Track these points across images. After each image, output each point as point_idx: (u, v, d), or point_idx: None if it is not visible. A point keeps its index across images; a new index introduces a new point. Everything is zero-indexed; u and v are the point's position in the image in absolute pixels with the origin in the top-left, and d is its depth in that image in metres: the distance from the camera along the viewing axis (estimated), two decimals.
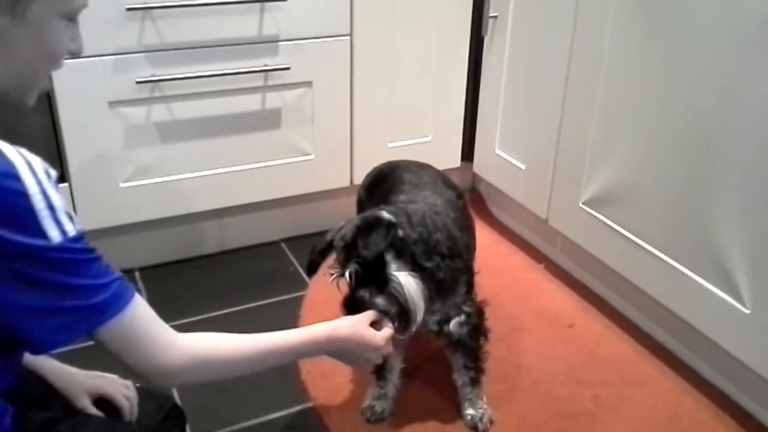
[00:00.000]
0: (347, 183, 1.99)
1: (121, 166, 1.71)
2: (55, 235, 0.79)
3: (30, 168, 0.78)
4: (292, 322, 1.68)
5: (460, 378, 1.41)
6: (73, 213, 0.82)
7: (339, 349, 1.11)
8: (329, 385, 1.50)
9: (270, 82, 1.78)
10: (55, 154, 1.65)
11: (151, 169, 1.75)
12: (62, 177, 1.67)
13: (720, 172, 1.37)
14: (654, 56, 1.47)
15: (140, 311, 0.88)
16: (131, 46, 1.61)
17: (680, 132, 1.44)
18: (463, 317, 1.34)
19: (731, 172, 1.35)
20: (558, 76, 1.73)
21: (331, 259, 1.25)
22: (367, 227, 1.18)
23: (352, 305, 1.19)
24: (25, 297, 0.79)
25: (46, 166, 0.80)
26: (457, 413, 1.43)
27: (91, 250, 0.84)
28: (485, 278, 1.73)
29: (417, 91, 1.99)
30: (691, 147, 1.42)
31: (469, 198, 2.24)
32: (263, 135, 1.84)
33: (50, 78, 0.89)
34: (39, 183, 0.78)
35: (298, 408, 1.45)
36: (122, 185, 1.73)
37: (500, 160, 2.01)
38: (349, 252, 1.19)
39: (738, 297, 1.37)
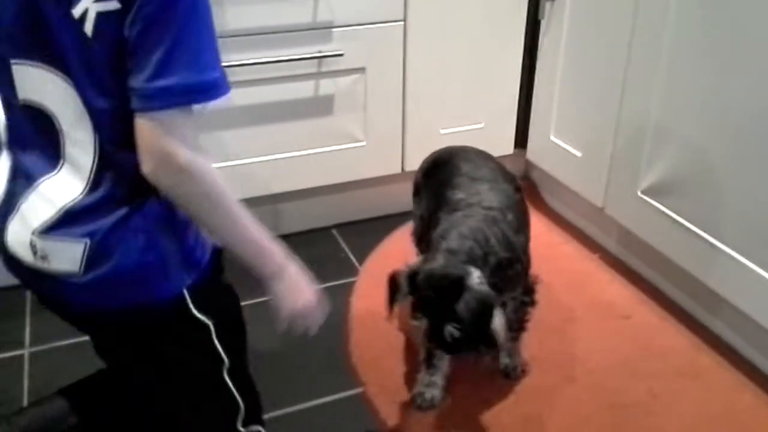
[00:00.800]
0: (398, 170, 1.99)
1: None
2: None
3: None
4: (343, 307, 1.69)
5: None
6: None
7: (285, 268, 1.10)
8: (379, 370, 1.51)
9: (323, 69, 1.79)
10: None
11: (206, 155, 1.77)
12: None
13: None
14: (719, 39, 1.42)
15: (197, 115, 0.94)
16: None
17: (746, 117, 1.39)
18: (517, 293, 1.38)
19: None
20: (617, 60, 1.69)
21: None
22: (453, 289, 1.15)
23: (451, 350, 1.21)
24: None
25: None
26: (492, 364, 1.48)
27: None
28: (537, 267, 1.71)
29: (470, 77, 1.97)
30: (755, 134, 1.38)
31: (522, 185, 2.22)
32: (316, 121, 1.85)
33: None
34: None
35: (348, 393, 1.46)
36: None
37: (555, 147, 1.98)
38: (439, 310, 1.16)
39: None
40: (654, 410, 1.41)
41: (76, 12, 0.87)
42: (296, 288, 1.10)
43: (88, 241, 0.94)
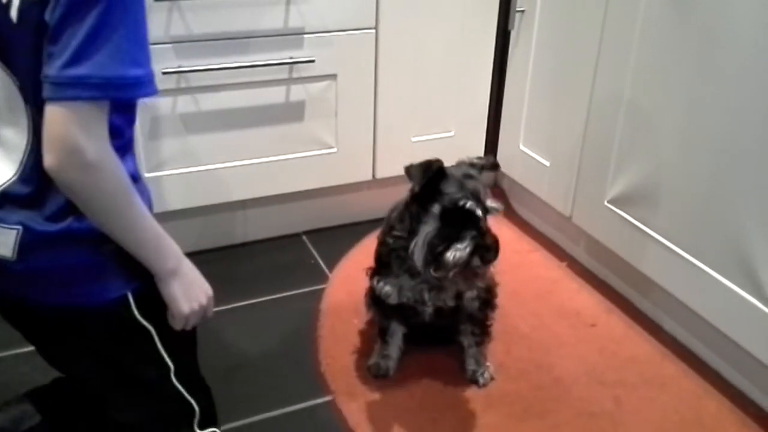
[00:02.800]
0: (369, 177, 1.99)
1: (145, 157, 1.72)
2: None
3: None
4: (312, 315, 1.69)
5: (466, 340, 1.50)
6: None
7: (179, 267, 1.06)
8: (348, 378, 1.50)
9: (295, 75, 1.78)
10: None
11: (175, 159, 1.76)
12: None
13: (748, 171, 1.35)
14: (684, 54, 1.45)
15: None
16: (158, 37, 1.61)
17: (708, 130, 1.42)
18: (474, 292, 1.40)
19: (761, 173, 1.33)
20: (585, 72, 1.71)
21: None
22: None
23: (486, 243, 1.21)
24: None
25: None
26: (460, 372, 1.51)
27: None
28: (506, 275, 1.73)
29: (441, 86, 1.98)
30: (720, 146, 1.40)
31: (491, 194, 2.23)
32: (287, 127, 1.84)
33: None
34: None
35: (316, 401, 1.46)
36: (147, 175, 1.73)
37: (524, 157, 2.00)
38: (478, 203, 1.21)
39: (764, 299, 1.35)
40: (620, 419, 1.42)
41: None
42: (191, 286, 1.07)
43: (20, 229, 0.92)
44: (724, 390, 1.49)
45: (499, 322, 1.61)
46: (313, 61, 1.77)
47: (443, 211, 1.22)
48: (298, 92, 1.81)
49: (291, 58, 1.75)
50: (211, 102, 1.73)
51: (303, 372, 1.52)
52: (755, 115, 1.32)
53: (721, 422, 1.42)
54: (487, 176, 1.29)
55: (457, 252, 1.19)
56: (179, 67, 1.65)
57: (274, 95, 1.79)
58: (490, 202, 1.23)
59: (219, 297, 1.75)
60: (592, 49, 1.68)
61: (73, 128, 0.84)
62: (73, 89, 0.84)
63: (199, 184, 1.81)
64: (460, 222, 1.21)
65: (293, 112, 1.84)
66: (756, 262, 1.36)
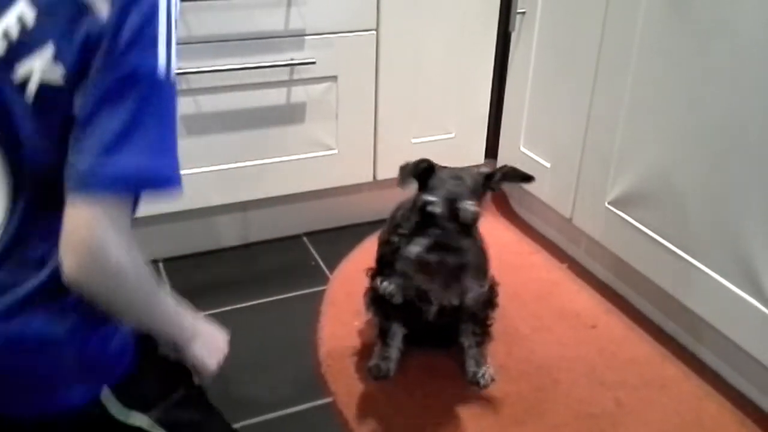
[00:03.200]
0: (370, 178, 1.99)
1: None
2: (162, 62, 0.77)
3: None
4: (312, 317, 1.69)
5: (467, 341, 1.50)
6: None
7: (196, 328, 1.00)
8: (349, 380, 1.51)
9: (295, 76, 1.79)
10: None
11: None
12: None
13: (749, 173, 1.35)
14: (684, 55, 1.45)
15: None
16: None
17: (709, 132, 1.42)
18: (477, 291, 1.40)
19: (760, 174, 1.33)
20: (586, 74, 1.71)
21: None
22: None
23: (443, 246, 1.20)
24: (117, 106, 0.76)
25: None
26: (460, 373, 1.51)
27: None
28: (507, 276, 1.73)
29: (441, 88, 1.98)
30: (721, 148, 1.40)
31: (491, 195, 2.24)
32: (288, 129, 1.84)
33: None
34: (168, 10, 0.78)
35: (317, 402, 1.46)
36: None
37: (525, 158, 2.00)
38: (451, 208, 1.21)
39: (764, 300, 1.35)
40: (621, 420, 1.42)
41: (17, 76, 0.78)
42: (211, 340, 1.03)
43: None
44: (724, 391, 1.49)
45: (499, 324, 1.61)
46: (313, 63, 1.77)
47: (419, 210, 1.23)
48: (298, 94, 1.82)
49: (292, 59, 1.75)
50: (211, 103, 1.74)
51: (303, 373, 1.52)
52: (756, 116, 1.32)
53: (721, 424, 1.42)
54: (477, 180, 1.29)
55: (413, 247, 1.20)
56: (180, 68, 1.64)
57: (275, 97, 1.80)
58: (468, 206, 1.21)
59: (219, 299, 1.76)
60: (592, 51, 1.68)
61: (101, 226, 0.75)
62: (109, 183, 0.75)
63: (200, 186, 1.81)
64: (430, 222, 1.22)
65: (294, 113, 1.84)
66: (756, 263, 1.36)
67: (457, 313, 1.45)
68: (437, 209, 1.21)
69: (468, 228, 1.23)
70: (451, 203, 1.21)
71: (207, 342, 1.01)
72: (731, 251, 1.41)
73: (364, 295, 1.51)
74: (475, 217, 1.23)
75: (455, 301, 1.39)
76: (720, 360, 1.54)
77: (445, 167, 1.30)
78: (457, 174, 1.27)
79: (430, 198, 1.22)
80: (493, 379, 1.50)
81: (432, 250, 1.19)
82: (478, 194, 1.25)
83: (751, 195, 1.35)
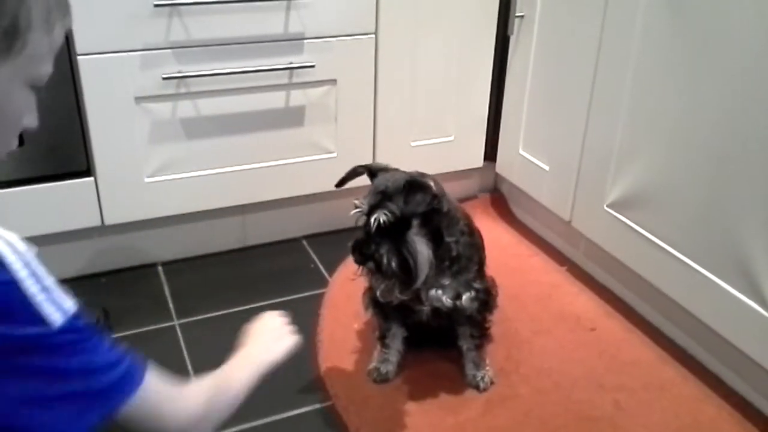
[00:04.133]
0: (369, 182, 1.99)
1: (146, 162, 1.72)
2: (56, 318, 0.71)
3: (12, 249, 0.70)
4: (312, 319, 1.69)
5: (465, 344, 1.50)
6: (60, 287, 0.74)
7: (256, 333, 1.11)
8: (348, 383, 1.51)
9: (295, 80, 1.79)
10: (81, 148, 1.67)
11: (175, 164, 1.76)
12: (88, 171, 1.69)
13: (747, 177, 1.35)
14: (682, 59, 1.45)
15: (155, 379, 0.82)
16: (158, 42, 1.62)
17: (707, 136, 1.42)
18: (473, 293, 1.40)
19: (758, 177, 1.33)
20: (585, 77, 1.71)
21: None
22: (414, 186, 1.24)
23: (361, 250, 1.26)
24: (31, 390, 0.71)
25: (23, 243, 0.73)
26: (460, 376, 1.51)
27: (91, 326, 0.76)
28: (506, 279, 1.73)
29: (441, 91, 1.98)
30: (719, 151, 1.41)
31: (490, 198, 2.24)
32: (287, 132, 1.84)
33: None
34: (27, 264, 0.70)
35: (316, 406, 1.46)
36: (147, 180, 1.74)
37: (524, 161, 2.00)
38: (383, 199, 1.24)
39: (763, 303, 1.35)
40: (620, 423, 1.42)
41: None
42: (272, 334, 1.11)
43: None
44: (723, 394, 1.49)
45: (499, 327, 1.61)
46: (312, 66, 1.77)
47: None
48: (297, 97, 1.82)
49: (291, 63, 1.76)
50: (211, 107, 1.74)
51: (303, 376, 1.52)
52: (754, 119, 1.32)
53: (720, 426, 1.42)
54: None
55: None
56: (179, 72, 1.66)
57: (274, 100, 1.80)
58: (380, 214, 1.23)
59: (219, 302, 1.76)
60: (591, 54, 1.68)
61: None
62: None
63: (199, 189, 1.81)
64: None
65: (293, 117, 1.84)
66: (755, 265, 1.36)
67: (454, 315, 1.45)
68: (362, 216, 1.26)
69: (388, 232, 1.23)
70: (371, 210, 1.25)
71: (269, 338, 1.10)
72: (730, 254, 1.41)
73: (363, 295, 1.51)
74: (387, 224, 1.23)
75: (448, 303, 1.39)
76: (719, 363, 1.54)
77: (386, 170, 1.32)
78: (386, 179, 1.29)
79: (356, 204, 1.28)
80: (492, 382, 1.50)
81: (353, 252, 1.26)
82: (398, 200, 1.25)
83: (750, 198, 1.35)
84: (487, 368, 1.51)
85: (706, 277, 1.47)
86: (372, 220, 1.23)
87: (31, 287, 0.70)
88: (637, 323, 1.70)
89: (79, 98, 1.62)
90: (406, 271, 1.25)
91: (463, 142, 2.07)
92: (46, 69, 0.77)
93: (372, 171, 1.32)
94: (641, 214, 1.62)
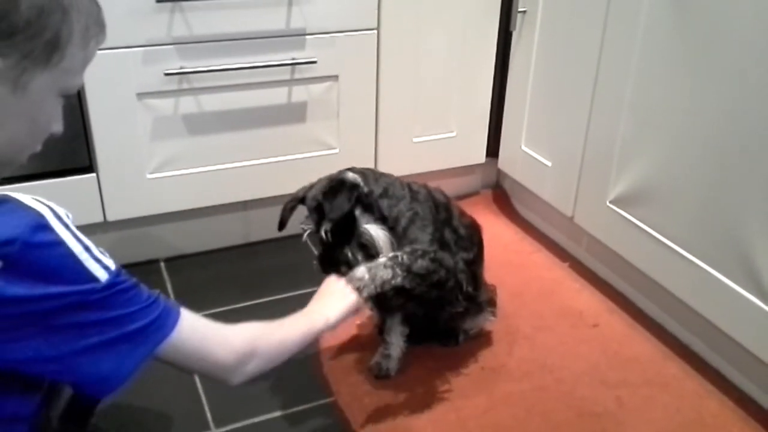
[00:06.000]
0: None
1: (148, 158, 1.72)
2: (101, 275, 0.79)
3: (55, 214, 0.78)
4: None
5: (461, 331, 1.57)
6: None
7: (326, 292, 1.24)
8: (350, 380, 1.51)
9: (297, 76, 1.79)
10: (83, 144, 1.67)
11: (178, 160, 1.76)
12: (90, 167, 1.69)
13: (749, 172, 1.35)
14: (685, 54, 1.45)
15: (191, 319, 0.90)
16: (160, 38, 1.62)
17: (710, 131, 1.42)
18: (419, 251, 1.33)
19: (761, 173, 1.33)
20: (587, 73, 1.71)
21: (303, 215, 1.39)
22: (332, 191, 1.29)
23: (328, 261, 1.32)
24: (87, 341, 0.79)
25: (61, 207, 0.80)
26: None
27: (131, 278, 0.84)
28: (509, 275, 1.73)
29: (443, 86, 1.98)
30: (721, 147, 1.40)
31: (493, 195, 2.24)
32: (289, 128, 1.84)
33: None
34: (67, 227, 0.77)
35: (319, 402, 1.46)
36: (149, 176, 1.74)
37: (526, 157, 2.00)
38: (321, 212, 1.29)
39: (765, 298, 1.35)
40: (623, 419, 1.42)
41: None
42: (336, 295, 1.23)
43: None
44: (725, 390, 1.49)
45: (501, 323, 1.61)
46: (314, 62, 1.77)
47: None
48: (299, 93, 1.82)
49: (293, 59, 1.76)
50: (213, 103, 1.74)
51: (305, 373, 1.52)
52: (757, 115, 1.32)
53: (722, 422, 1.42)
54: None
55: None
56: (181, 68, 1.65)
57: (276, 96, 1.80)
58: (327, 224, 1.30)
59: (221, 298, 1.76)
60: (593, 49, 1.68)
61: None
62: None
63: (201, 185, 1.81)
64: None
65: (295, 112, 1.84)
66: (758, 261, 1.36)
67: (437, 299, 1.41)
68: (314, 235, 1.35)
69: (340, 234, 1.30)
70: (318, 226, 1.33)
71: (325, 303, 1.21)
72: (733, 249, 1.41)
73: None
74: (335, 230, 1.30)
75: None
76: (722, 358, 1.54)
77: (311, 188, 1.37)
78: (312, 196, 1.35)
79: (303, 228, 1.38)
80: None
81: (323, 266, 1.35)
82: (332, 206, 1.30)
83: (753, 194, 1.35)
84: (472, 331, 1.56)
85: (708, 273, 1.46)
86: (323, 233, 1.30)
87: (75, 247, 0.77)
88: (640, 319, 1.70)
89: (81, 94, 1.61)
90: (374, 258, 1.30)
91: (465, 138, 2.07)
92: (78, 81, 0.83)
93: (299, 199, 1.39)
94: (644, 210, 1.62)
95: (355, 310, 1.25)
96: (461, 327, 1.55)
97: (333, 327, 1.19)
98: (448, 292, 1.38)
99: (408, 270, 1.28)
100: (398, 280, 1.27)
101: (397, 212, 1.34)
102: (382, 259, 1.29)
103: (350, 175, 1.33)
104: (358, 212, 1.31)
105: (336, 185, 1.30)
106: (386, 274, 1.26)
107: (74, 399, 0.96)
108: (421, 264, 1.30)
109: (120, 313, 0.81)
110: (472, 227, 1.49)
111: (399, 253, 1.30)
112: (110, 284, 0.80)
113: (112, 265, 0.81)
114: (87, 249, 0.79)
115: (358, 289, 1.25)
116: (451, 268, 1.36)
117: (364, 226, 1.31)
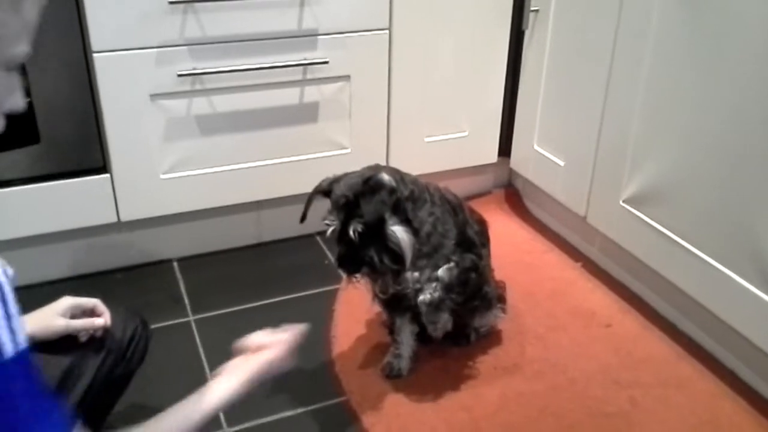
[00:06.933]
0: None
1: (161, 158, 1.73)
2: (8, 349, 0.69)
3: None
4: (326, 315, 1.69)
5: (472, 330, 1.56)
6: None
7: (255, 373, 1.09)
8: (363, 380, 1.51)
9: (309, 76, 1.79)
10: (97, 145, 1.68)
11: (190, 161, 1.77)
12: (104, 168, 1.70)
13: (762, 172, 1.34)
14: (697, 54, 1.44)
15: None
16: (173, 40, 1.63)
17: (722, 131, 1.41)
18: (452, 264, 1.38)
19: None
20: (600, 72, 1.70)
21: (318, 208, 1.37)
22: (371, 191, 1.26)
23: (349, 260, 1.29)
24: None
25: (3, 263, 0.73)
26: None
27: (34, 370, 0.73)
28: (521, 275, 1.73)
29: (455, 86, 1.98)
30: (733, 146, 1.39)
31: (505, 194, 2.23)
32: (301, 128, 1.85)
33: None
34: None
35: (331, 401, 1.46)
36: (162, 177, 1.75)
37: (538, 156, 1.99)
38: (351, 210, 1.27)
39: None
40: (636, 419, 1.41)
41: None
42: (271, 363, 1.11)
43: None
44: (740, 390, 1.48)
45: (513, 323, 1.61)
46: (326, 63, 1.78)
47: None
48: (311, 93, 1.82)
49: (305, 59, 1.76)
50: (225, 103, 1.74)
51: (317, 372, 1.53)
52: (766, 115, 1.31)
53: (736, 423, 1.41)
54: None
55: None
56: (194, 69, 1.66)
57: (288, 96, 1.80)
58: (357, 224, 1.27)
59: (233, 298, 1.77)
60: (606, 49, 1.67)
61: None
62: None
63: (214, 186, 1.81)
64: None
65: (307, 113, 1.84)
66: None
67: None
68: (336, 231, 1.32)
69: (367, 234, 1.27)
70: (345, 223, 1.29)
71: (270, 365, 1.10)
72: (747, 249, 1.40)
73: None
74: (364, 230, 1.27)
75: (427, 286, 1.38)
76: (736, 359, 1.53)
77: (338, 181, 1.34)
78: (343, 189, 1.32)
79: (327, 223, 1.33)
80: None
81: (343, 267, 1.32)
82: (365, 205, 1.28)
83: (766, 192, 1.34)
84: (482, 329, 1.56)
85: (722, 272, 1.46)
86: (351, 231, 1.26)
87: None
88: (653, 319, 1.70)
89: (94, 95, 1.63)
90: (398, 262, 1.29)
91: (478, 137, 2.07)
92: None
93: (325, 191, 1.35)
94: (657, 209, 1.61)
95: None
96: (471, 325, 1.55)
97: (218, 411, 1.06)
98: (475, 289, 1.44)
99: (449, 289, 1.36)
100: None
101: (421, 216, 1.34)
102: (428, 296, 1.35)
103: (386, 178, 1.30)
104: (387, 214, 1.29)
105: (374, 186, 1.28)
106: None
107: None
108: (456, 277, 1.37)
109: (16, 401, 0.71)
110: (482, 223, 1.51)
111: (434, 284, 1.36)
112: (14, 360, 0.69)
113: (23, 343, 0.70)
114: (7, 316, 0.69)
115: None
116: (480, 266, 1.42)
117: (391, 228, 1.29)
